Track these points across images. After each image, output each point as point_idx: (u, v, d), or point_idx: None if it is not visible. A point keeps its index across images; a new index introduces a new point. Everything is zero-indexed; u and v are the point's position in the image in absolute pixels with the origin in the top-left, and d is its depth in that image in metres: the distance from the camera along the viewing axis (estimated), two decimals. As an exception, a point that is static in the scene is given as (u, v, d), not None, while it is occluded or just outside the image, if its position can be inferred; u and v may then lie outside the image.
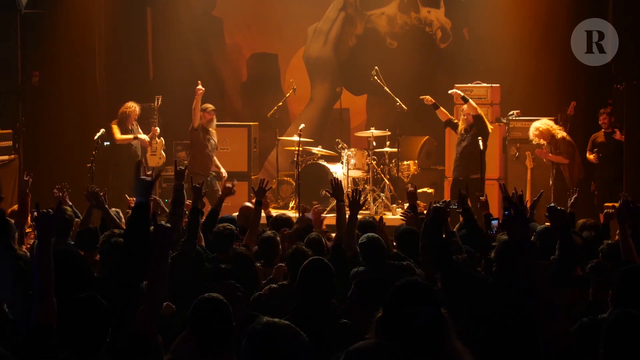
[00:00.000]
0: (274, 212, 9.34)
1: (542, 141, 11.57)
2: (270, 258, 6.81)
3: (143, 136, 12.32)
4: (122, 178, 12.07)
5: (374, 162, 12.50)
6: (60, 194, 8.20)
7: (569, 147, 11.62)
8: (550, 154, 11.59)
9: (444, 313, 3.19)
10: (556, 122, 11.81)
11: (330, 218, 10.88)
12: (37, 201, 9.52)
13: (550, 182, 11.63)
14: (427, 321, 3.11)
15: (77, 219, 7.65)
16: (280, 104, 13.26)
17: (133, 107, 12.21)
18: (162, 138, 12.64)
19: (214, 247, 6.93)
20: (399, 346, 3.10)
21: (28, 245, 7.62)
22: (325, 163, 12.89)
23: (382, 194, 12.52)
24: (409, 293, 3.20)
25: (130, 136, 12.20)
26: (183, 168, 6.82)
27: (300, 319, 4.56)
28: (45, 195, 11.07)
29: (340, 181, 7.04)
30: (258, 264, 6.73)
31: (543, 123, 11.57)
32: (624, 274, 4.80)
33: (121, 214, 8.42)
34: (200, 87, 11.76)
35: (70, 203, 8.09)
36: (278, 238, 7.00)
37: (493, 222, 7.77)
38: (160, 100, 12.67)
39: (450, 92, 11.64)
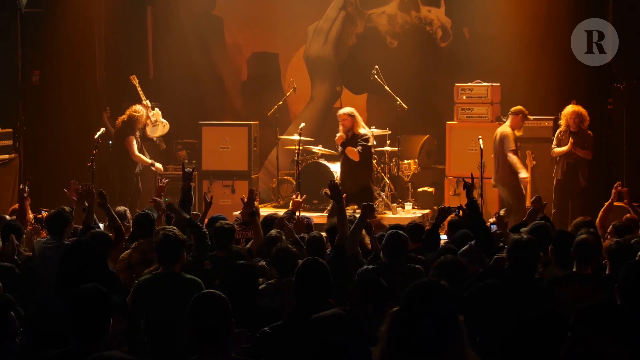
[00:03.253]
0: (268, 211, 9.33)
1: (562, 122, 11.32)
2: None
3: (159, 165, 12.25)
4: (127, 181, 12.07)
5: (374, 161, 12.49)
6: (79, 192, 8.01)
7: (593, 143, 11.30)
8: (578, 149, 11.12)
9: (460, 319, 3.19)
10: (556, 122, 11.75)
11: (320, 217, 10.94)
12: (37, 201, 9.54)
13: (560, 176, 11.37)
14: (432, 323, 3.12)
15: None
16: (281, 103, 13.26)
17: (142, 112, 12.12)
18: (157, 109, 12.58)
19: (215, 245, 6.98)
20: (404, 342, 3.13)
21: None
22: (325, 162, 12.88)
23: (382, 193, 12.52)
24: (425, 292, 3.22)
25: (148, 161, 12.08)
26: (191, 170, 6.98)
27: (298, 321, 4.58)
28: (45, 194, 11.13)
29: (337, 184, 7.04)
30: (263, 262, 6.74)
31: (570, 106, 11.31)
32: (629, 268, 4.79)
33: (128, 213, 8.44)
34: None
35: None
36: (284, 237, 7.04)
37: (492, 226, 7.77)
38: (136, 79, 12.47)
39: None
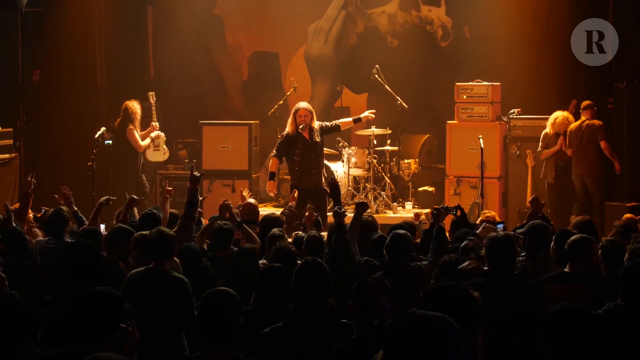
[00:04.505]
0: (268, 211, 9.28)
1: (549, 129, 11.35)
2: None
3: (154, 133, 12.22)
4: (127, 178, 12.05)
5: (374, 161, 12.50)
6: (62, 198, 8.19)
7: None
8: (569, 149, 11.24)
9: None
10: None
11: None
12: (37, 200, 9.58)
13: (551, 180, 11.47)
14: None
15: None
16: (281, 102, 13.25)
17: (135, 106, 12.08)
18: (162, 133, 12.58)
19: (214, 245, 6.99)
20: None
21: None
22: (325, 161, 12.87)
23: (382, 193, 12.53)
24: (447, 296, 3.23)
25: (148, 141, 12.07)
26: (198, 175, 7.06)
27: (298, 322, 4.58)
28: (46, 193, 11.10)
29: (337, 182, 7.03)
30: (264, 262, 6.73)
31: (559, 114, 11.36)
32: (632, 267, 4.80)
33: (135, 212, 8.45)
34: None
35: (76, 208, 8.07)
36: (286, 235, 7.05)
37: (499, 225, 7.80)
38: (154, 97, 12.51)
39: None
